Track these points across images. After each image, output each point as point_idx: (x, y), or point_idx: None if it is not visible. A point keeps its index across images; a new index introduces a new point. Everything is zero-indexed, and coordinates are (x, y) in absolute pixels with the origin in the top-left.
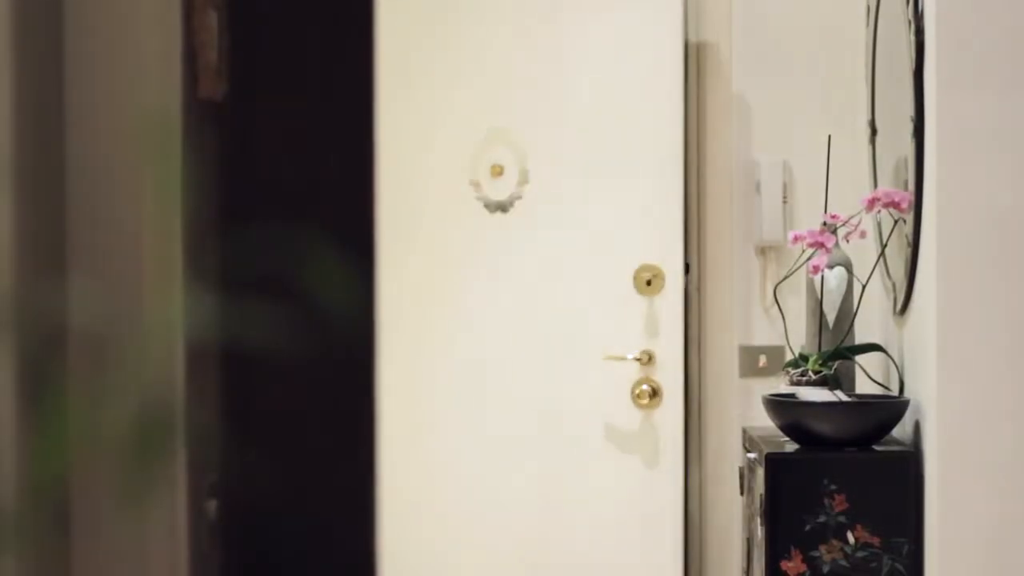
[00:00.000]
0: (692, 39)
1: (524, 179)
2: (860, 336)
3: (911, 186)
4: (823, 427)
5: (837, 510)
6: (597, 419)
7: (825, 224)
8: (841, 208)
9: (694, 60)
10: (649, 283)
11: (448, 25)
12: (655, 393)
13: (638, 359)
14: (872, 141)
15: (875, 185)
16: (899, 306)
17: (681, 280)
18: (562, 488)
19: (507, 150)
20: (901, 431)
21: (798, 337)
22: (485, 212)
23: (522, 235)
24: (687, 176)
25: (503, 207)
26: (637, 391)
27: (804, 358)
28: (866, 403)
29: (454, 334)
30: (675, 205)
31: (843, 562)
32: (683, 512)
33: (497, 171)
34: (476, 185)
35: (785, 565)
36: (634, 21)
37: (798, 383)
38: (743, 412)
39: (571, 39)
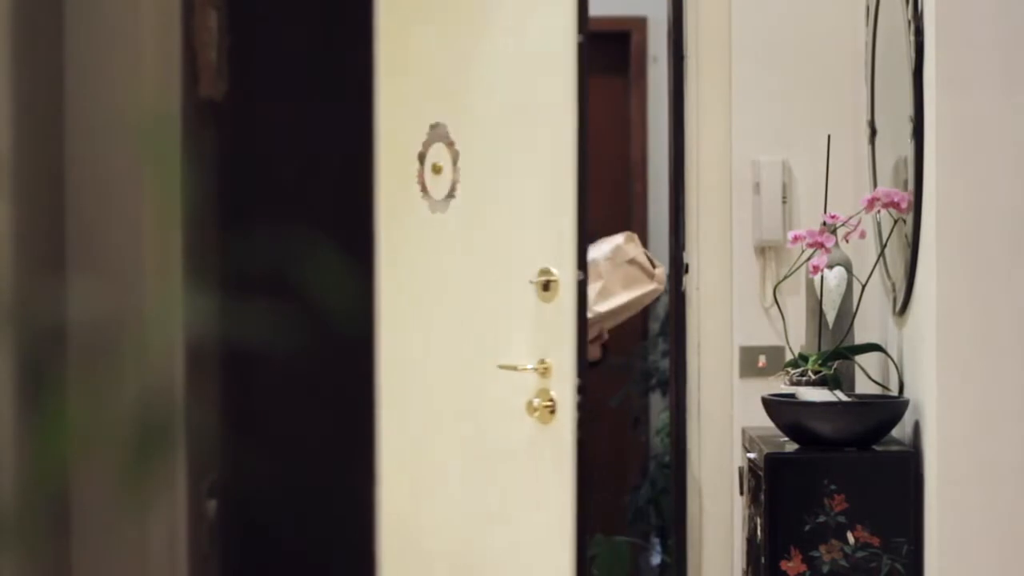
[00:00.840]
0: (692, 39)
1: (457, 178)
2: (860, 336)
3: (911, 186)
4: (823, 427)
5: (837, 510)
6: (497, 427)
7: (825, 224)
8: (841, 208)
9: (693, 60)
10: (547, 288)
11: (391, 18)
12: (554, 407)
13: (535, 369)
14: (872, 141)
15: (875, 185)
16: (899, 306)
17: (575, 286)
18: (472, 490)
19: (444, 148)
20: (901, 431)
21: (798, 337)
22: (428, 212)
23: (454, 236)
24: (686, 176)
25: (442, 207)
26: (534, 403)
27: (804, 358)
28: (866, 403)
29: (402, 339)
30: (568, 206)
31: (843, 562)
32: (574, 508)
33: (438, 169)
34: (421, 184)
35: (785, 565)
36: (537, 18)
37: (798, 383)
38: (743, 412)
39: (490, 33)
